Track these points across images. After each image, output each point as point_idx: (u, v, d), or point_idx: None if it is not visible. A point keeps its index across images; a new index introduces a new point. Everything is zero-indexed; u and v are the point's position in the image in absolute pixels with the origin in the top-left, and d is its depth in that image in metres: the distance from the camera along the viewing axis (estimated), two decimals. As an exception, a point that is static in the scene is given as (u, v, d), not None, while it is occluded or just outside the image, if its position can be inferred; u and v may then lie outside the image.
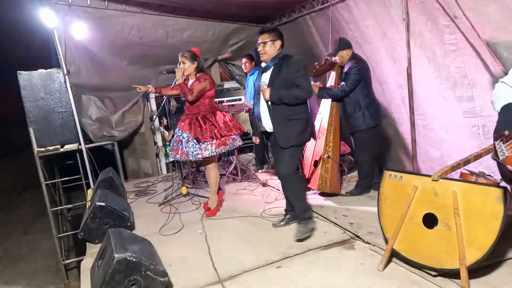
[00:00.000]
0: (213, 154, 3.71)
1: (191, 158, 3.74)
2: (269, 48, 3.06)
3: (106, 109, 5.58)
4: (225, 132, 3.77)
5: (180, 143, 3.82)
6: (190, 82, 3.79)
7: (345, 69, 3.88)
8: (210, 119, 3.77)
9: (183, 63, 3.72)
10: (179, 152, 3.80)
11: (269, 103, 3.09)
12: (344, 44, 3.90)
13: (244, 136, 5.84)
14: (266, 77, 3.15)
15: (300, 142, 3.16)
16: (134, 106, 5.83)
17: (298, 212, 3.23)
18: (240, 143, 3.93)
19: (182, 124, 3.87)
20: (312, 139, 3.32)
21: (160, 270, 2.42)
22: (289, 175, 3.18)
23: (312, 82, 4.00)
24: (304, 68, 3.03)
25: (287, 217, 3.50)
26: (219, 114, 3.87)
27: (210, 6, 5.31)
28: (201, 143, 3.69)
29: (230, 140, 3.82)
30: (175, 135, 3.94)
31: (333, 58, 3.97)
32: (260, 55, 3.11)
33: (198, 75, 3.75)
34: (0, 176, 10.76)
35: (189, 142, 3.73)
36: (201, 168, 5.62)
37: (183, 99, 3.82)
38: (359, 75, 3.76)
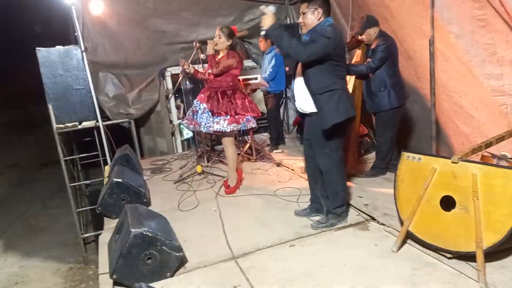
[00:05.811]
0: (223, 129, 3.74)
1: (202, 129, 3.82)
2: (307, 19, 2.70)
3: (122, 86, 5.60)
4: (240, 111, 3.77)
5: (196, 113, 3.88)
6: (219, 56, 3.81)
7: (372, 46, 3.79)
8: (229, 95, 3.78)
9: (219, 37, 3.73)
10: (193, 122, 3.88)
11: (303, 79, 2.76)
12: (371, 21, 3.76)
13: (260, 116, 5.81)
14: None
15: (339, 119, 2.69)
16: (150, 84, 5.83)
17: (330, 206, 2.98)
18: (253, 125, 3.92)
19: (202, 95, 3.92)
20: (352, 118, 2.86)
21: (176, 245, 2.46)
22: (329, 168, 2.87)
23: None
24: (323, 36, 2.59)
25: (311, 206, 3.26)
26: (239, 93, 3.86)
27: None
28: (214, 116, 3.74)
29: (244, 120, 3.81)
30: (193, 106, 3.99)
31: (359, 37, 3.85)
32: (301, 27, 2.76)
33: (228, 52, 3.76)
34: (20, 151, 11.02)
35: (204, 114, 3.81)
36: (216, 147, 5.64)
37: (209, 71, 3.85)
38: (386, 52, 3.67)
